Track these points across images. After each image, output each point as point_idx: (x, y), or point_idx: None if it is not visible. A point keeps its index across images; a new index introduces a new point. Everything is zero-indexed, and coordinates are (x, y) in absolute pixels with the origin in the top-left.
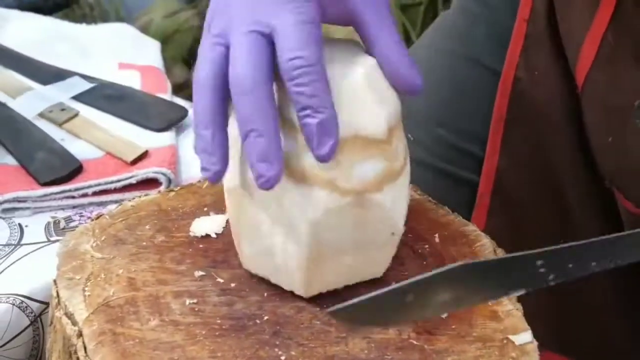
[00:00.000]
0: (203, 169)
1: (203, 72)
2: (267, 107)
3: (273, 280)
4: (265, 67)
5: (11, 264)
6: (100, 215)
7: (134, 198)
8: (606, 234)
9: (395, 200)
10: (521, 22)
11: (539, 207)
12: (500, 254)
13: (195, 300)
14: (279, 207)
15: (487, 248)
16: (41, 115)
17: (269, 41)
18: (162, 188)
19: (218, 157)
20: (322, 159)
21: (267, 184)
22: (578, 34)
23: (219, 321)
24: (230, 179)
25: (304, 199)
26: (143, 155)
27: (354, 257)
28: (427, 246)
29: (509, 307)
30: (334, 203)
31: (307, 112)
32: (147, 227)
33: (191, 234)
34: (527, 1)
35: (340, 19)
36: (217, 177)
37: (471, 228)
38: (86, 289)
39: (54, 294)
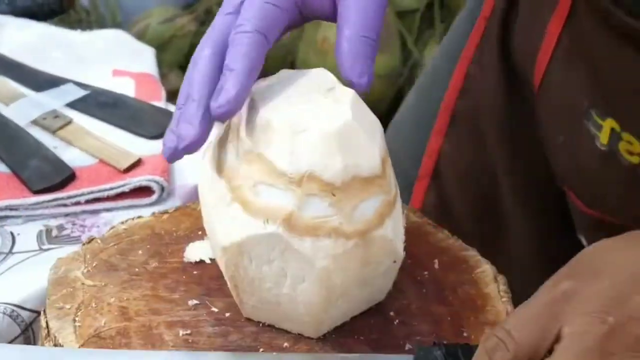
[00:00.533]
0: (179, 137)
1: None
2: (209, 76)
3: (279, 326)
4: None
5: (2, 273)
6: (92, 239)
7: (126, 220)
8: (536, 231)
9: (395, 229)
10: (481, 20)
11: (472, 198)
12: (501, 281)
13: (189, 331)
14: (284, 260)
15: (487, 275)
16: (34, 122)
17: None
18: (154, 196)
19: (200, 129)
20: (215, 113)
21: (186, 146)
22: (536, 35)
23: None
24: (225, 237)
25: (311, 249)
26: (136, 163)
27: (360, 291)
28: (426, 273)
29: None
30: (340, 249)
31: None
32: (140, 252)
33: (185, 259)
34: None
35: (324, 11)
36: (193, 146)
37: (471, 253)
38: (77, 319)
39: (44, 325)
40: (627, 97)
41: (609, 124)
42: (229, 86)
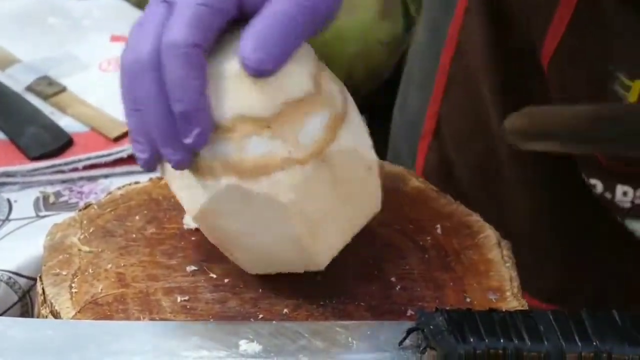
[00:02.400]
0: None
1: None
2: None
3: (285, 271)
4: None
5: None
6: (89, 205)
7: (123, 186)
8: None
9: (355, 137)
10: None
11: (472, 157)
12: (504, 246)
13: (187, 297)
14: (250, 208)
15: (491, 240)
16: (29, 88)
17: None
18: None
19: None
20: (187, 147)
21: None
22: (546, 8)
23: (211, 320)
24: (192, 207)
25: (269, 187)
26: (126, 133)
27: (344, 211)
28: (429, 238)
29: (514, 303)
30: (299, 177)
31: (172, 98)
32: (137, 217)
33: (185, 226)
34: None
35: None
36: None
37: (475, 218)
38: (73, 285)
39: (40, 291)
40: None
41: (638, 84)
42: (195, 136)
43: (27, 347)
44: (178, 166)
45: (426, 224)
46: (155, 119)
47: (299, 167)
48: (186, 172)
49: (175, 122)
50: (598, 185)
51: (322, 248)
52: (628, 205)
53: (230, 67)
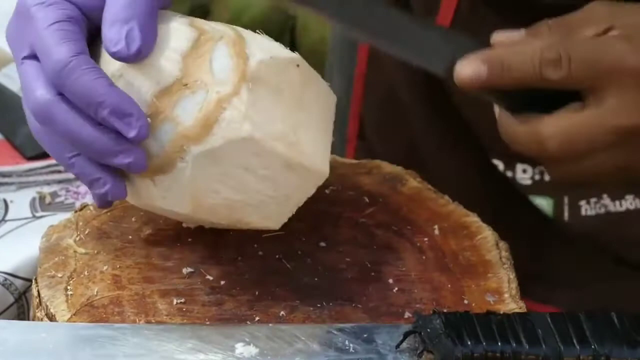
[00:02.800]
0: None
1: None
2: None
3: (299, 204)
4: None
5: None
6: (84, 206)
7: None
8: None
9: (264, 47)
10: None
11: (397, 153)
12: (502, 247)
13: (183, 300)
14: (231, 165)
15: (488, 241)
16: None
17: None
18: None
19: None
20: (135, 140)
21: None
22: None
23: (208, 322)
24: (183, 203)
25: (229, 132)
26: None
27: (305, 110)
28: (426, 239)
29: (512, 306)
30: (243, 105)
31: (92, 109)
32: (134, 219)
33: (183, 224)
34: None
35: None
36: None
37: (472, 219)
38: (69, 287)
39: (35, 293)
40: None
41: None
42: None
43: (21, 350)
44: (137, 167)
45: (423, 224)
46: (91, 138)
47: (235, 98)
48: (156, 181)
49: (108, 130)
50: (500, 165)
51: (315, 155)
52: (529, 182)
53: (113, 66)
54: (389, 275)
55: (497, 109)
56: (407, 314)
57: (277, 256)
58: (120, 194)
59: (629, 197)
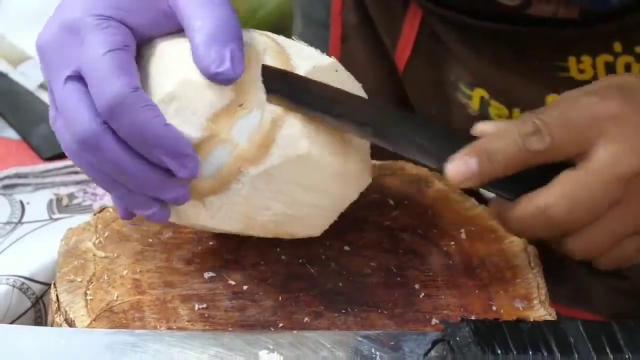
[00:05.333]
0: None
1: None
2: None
3: (343, 209)
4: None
5: (12, 244)
6: (104, 208)
7: None
8: None
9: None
10: (336, 16)
11: None
12: (531, 252)
13: (204, 305)
14: (286, 182)
15: (516, 245)
16: (42, 86)
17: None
18: None
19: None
20: (187, 179)
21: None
22: (395, 22)
23: (230, 329)
24: (235, 221)
25: (287, 149)
26: None
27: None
28: (452, 243)
29: (541, 312)
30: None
31: (146, 148)
32: None
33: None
34: None
35: (158, 21)
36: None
37: None
38: (88, 292)
39: (54, 298)
40: (488, 74)
41: (478, 92)
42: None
43: (40, 357)
44: (182, 201)
45: (450, 228)
46: (141, 176)
47: (290, 115)
48: (206, 202)
49: (158, 168)
50: None
51: (361, 162)
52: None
53: (166, 89)
54: (415, 281)
55: (491, 204)
56: (434, 321)
57: (300, 260)
58: (165, 217)
59: None
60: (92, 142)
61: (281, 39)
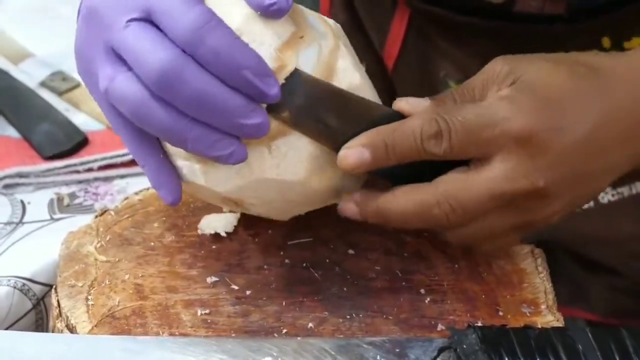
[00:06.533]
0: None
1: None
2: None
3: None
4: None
5: (12, 244)
6: (105, 211)
7: (141, 190)
8: None
9: None
10: (324, 14)
11: None
12: (538, 255)
13: (207, 311)
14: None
15: (523, 248)
16: (43, 84)
17: (152, 24)
18: None
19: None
20: (275, 98)
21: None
22: (383, 20)
23: (233, 335)
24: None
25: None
26: None
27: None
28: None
29: (549, 317)
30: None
31: (232, 70)
32: (156, 224)
33: (199, 231)
34: None
35: None
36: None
37: None
38: (89, 297)
39: (55, 303)
40: (476, 71)
41: None
42: (275, 85)
43: None
44: (265, 128)
45: None
46: (226, 101)
47: (339, 51)
48: (273, 147)
49: (240, 93)
50: None
51: None
52: None
53: (232, 25)
54: (421, 285)
55: (356, 196)
56: (439, 326)
57: (304, 264)
58: (244, 155)
59: None
60: (176, 72)
61: None
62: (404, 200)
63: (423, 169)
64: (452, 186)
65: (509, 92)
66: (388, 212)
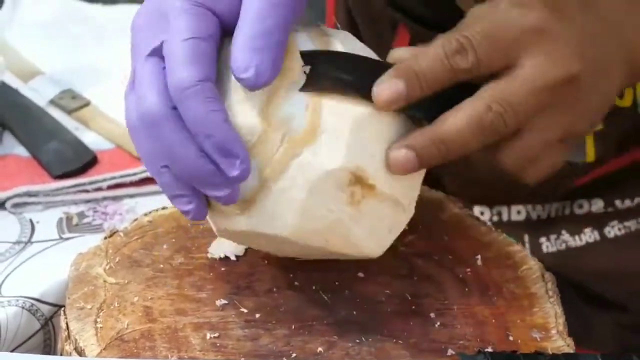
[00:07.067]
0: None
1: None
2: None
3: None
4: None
5: (21, 264)
6: (114, 233)
7: (150, 212)
8: None
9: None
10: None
11: None
12: (548, 279)
13: (217, 334)
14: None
15: (534, 272)
16: (52, 102)
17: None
18: None
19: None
20: (235, 180)
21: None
22: (384, 44)
23: (242, 359)
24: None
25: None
26: None
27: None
28: (468, 270)
29: (559, 343)
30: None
31: (199, 139)
32: (165, 246)
33: (209, 255)
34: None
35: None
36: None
37: (516, 248)
38: (98, 320)
39: (64, 326)
40: None
41: None
42: (240, 167)
43: None
44: (228, 201)
45: (465, 254)
46: (191, 163)
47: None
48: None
49: (209, 161)
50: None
51: None
52: (488, 223)
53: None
54: (431, 309)
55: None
56: (449, 351)
57: (313, 287)
58: (201, 216)
59: (587, 230)
60: (154, 121)
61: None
62: (456, 119)
63: (458, 100)
64: (496, 91)
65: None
66: (444, 137)
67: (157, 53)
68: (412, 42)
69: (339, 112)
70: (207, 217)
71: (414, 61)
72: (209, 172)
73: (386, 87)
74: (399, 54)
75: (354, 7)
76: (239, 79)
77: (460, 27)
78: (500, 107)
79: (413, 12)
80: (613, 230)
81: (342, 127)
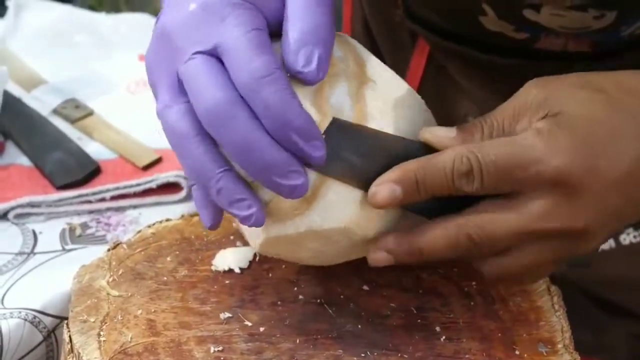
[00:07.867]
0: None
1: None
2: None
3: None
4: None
5: (24, 275)
6: (118, 244)
7: (154, 224)
8: None
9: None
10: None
11: None
12: (554, 293)
13: (220, 348)
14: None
15: (539, 285)
16: (55, 111)
17: (218, 59)
18: (183, 193)
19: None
20: (319, 160)
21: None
22: (403, 55)
23: None
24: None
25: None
26: (156, 161)
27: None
28: (474, 283)
29: (566, 357)
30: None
31: (280, 127)
32: (169, 259)
33: (213, 268)
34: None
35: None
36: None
37: None
38: (101, 333)
39: (67, 339)
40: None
41: None
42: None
43: None
44: (302, 191)
45: (471, 267)
46: (267, 152)
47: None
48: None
49: (285, 151)
50: None
51: None
52: None
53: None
54: (436, 323)
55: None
56: None
57: (318, 300)
58: (262, 221)
59: None
60: (227, 114)
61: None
62: (435, 236)
63: (457, 201)
64: (481, 219)
65: (545, 126)
66: (421, 247)
67: (209, 51)
68: (432, 53)
69: (382, 97)
70: (246, 230)
71: (419, 170)
72: (286, 159)
73: (384, 189)
74: (429, 135)
75: (371, 18)
76: (298, 73)
77: (476, 139)
78: (480, 239)
79: (433, 24)
80: (628, 237)
81: (387, 109)
